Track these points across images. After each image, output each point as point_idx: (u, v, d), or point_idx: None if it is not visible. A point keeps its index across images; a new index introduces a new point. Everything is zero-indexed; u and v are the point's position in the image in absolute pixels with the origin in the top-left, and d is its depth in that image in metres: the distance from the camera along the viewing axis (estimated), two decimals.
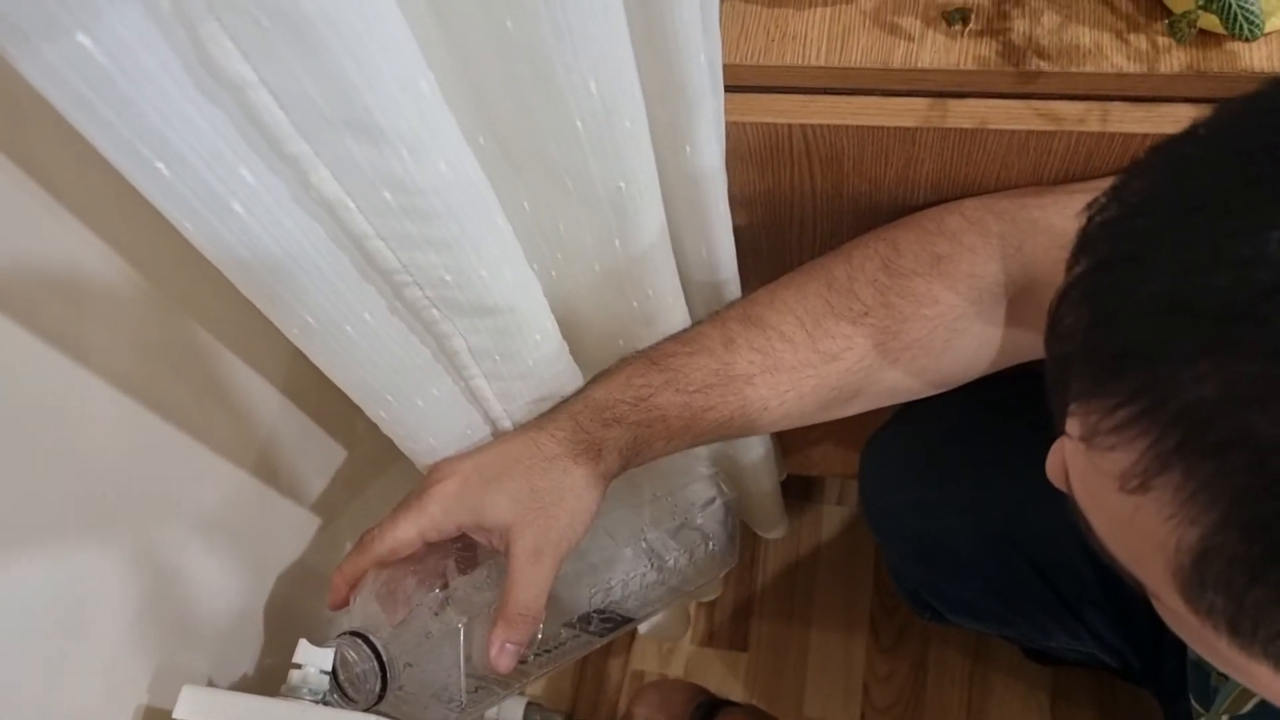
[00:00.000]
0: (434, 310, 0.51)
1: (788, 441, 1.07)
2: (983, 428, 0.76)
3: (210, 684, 0.67)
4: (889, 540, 0.80)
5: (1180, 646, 0.73)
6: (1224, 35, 0.53)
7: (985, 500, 0.75)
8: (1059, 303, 0.33)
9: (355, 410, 0.60)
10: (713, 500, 0.77)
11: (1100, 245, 0.32)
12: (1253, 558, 0.28)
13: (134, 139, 0.36)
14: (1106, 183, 0.57)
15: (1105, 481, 0.31)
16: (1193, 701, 0.61)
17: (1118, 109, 0.57)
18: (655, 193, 0.55)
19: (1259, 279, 0.27)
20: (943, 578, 0.79)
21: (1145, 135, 0.56)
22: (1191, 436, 0.28)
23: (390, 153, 0.40)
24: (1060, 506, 0.77)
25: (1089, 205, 0.33)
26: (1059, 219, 0.56)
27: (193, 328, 0.62)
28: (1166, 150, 0.32)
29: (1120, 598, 0.74)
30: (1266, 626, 0.29)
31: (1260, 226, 0.28)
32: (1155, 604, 0.36)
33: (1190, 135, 0.32)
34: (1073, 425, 0.32)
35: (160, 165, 0.37)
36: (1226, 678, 0.55)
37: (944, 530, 0.76)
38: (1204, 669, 0.59)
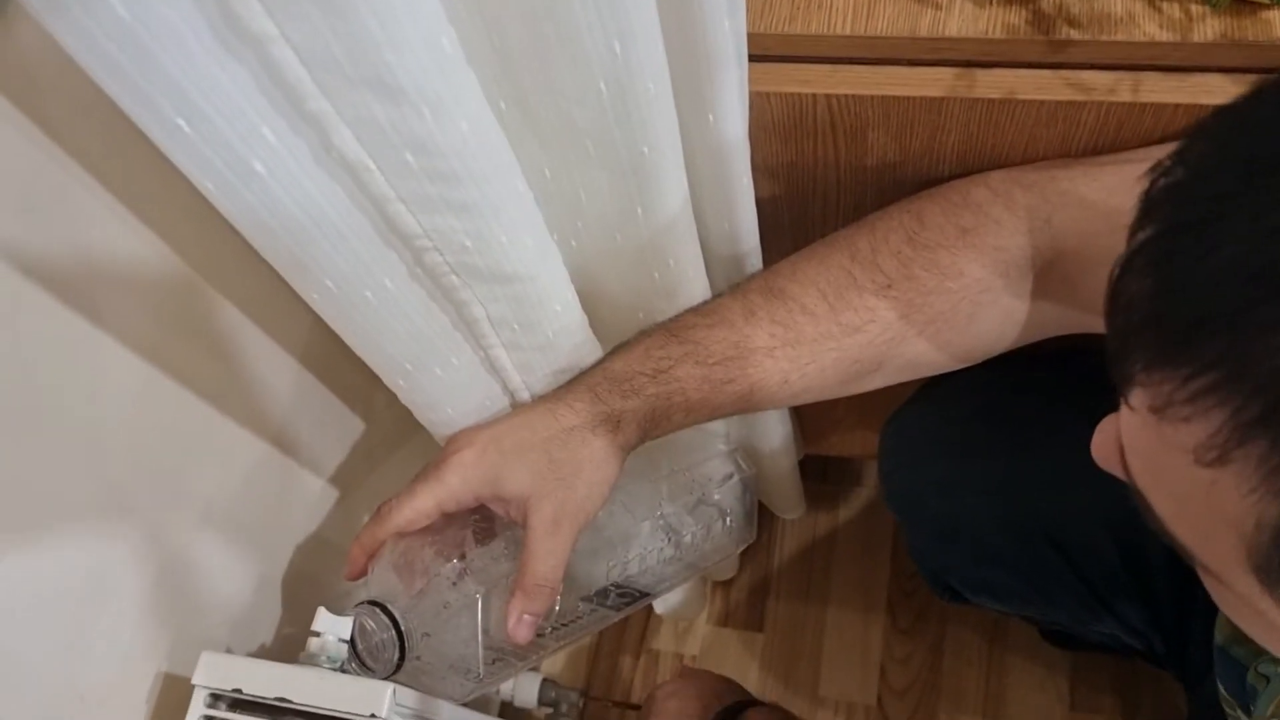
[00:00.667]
0: (453, 277, 0.50)
1: (806, 421, 1.06)
2: (1007, 406, 0.75)
3: (229, 652, 0.68)
4: (910, 520, 0.79)
5: (1206, 631, 0.72)
6: (1259, 2, 0.52)
7: (1009, 480, 0.74)
8: (1121, 271, 0.32)
9: (374, 383, 0.60)
10: (730, 476, 0.77)
11: (1167, 210, 0.31)
12: None
13: (156, 94, 0.35)
14: (1137, 153, 0.57)
15: (1175, 456, 0.30)
16: (1222, 690, 0.60)
17: (1150, 79, 0.55)
18: (678, 160, 0.55)
19: None
20: (964, 558, 0.78)
21: (1177, 106, 0.55)
22: (1277, 405, 0.27)
23: (412, 112, 0.40)
24: (1085, 487, 0.76)
25: (1152, 169, 0.32)
26: (1088, 190, 0.56)
27: (212, 298, 0.62)
28: (1233, 112, 0.31)
29: (1145, 580, 0.73)
30: None
31: None
32: (1211, 586, 0.35)
33: (1254, 97, 0.31)
34: (1140, 397, 0.31)
35: (181, 122, 0.37)
36: (1268, 679, 0.54)
37: (967, 510, 0.75)
38: (1239, 663, 0.57)
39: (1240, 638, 0.57)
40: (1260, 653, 0.55)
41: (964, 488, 0.75)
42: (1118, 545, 0.72)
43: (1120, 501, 0.75)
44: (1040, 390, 0.74)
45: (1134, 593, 0.74)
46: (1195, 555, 0.33)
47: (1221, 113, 0.32)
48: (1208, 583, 0.35)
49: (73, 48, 0.34)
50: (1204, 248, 0.29)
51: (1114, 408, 0.35)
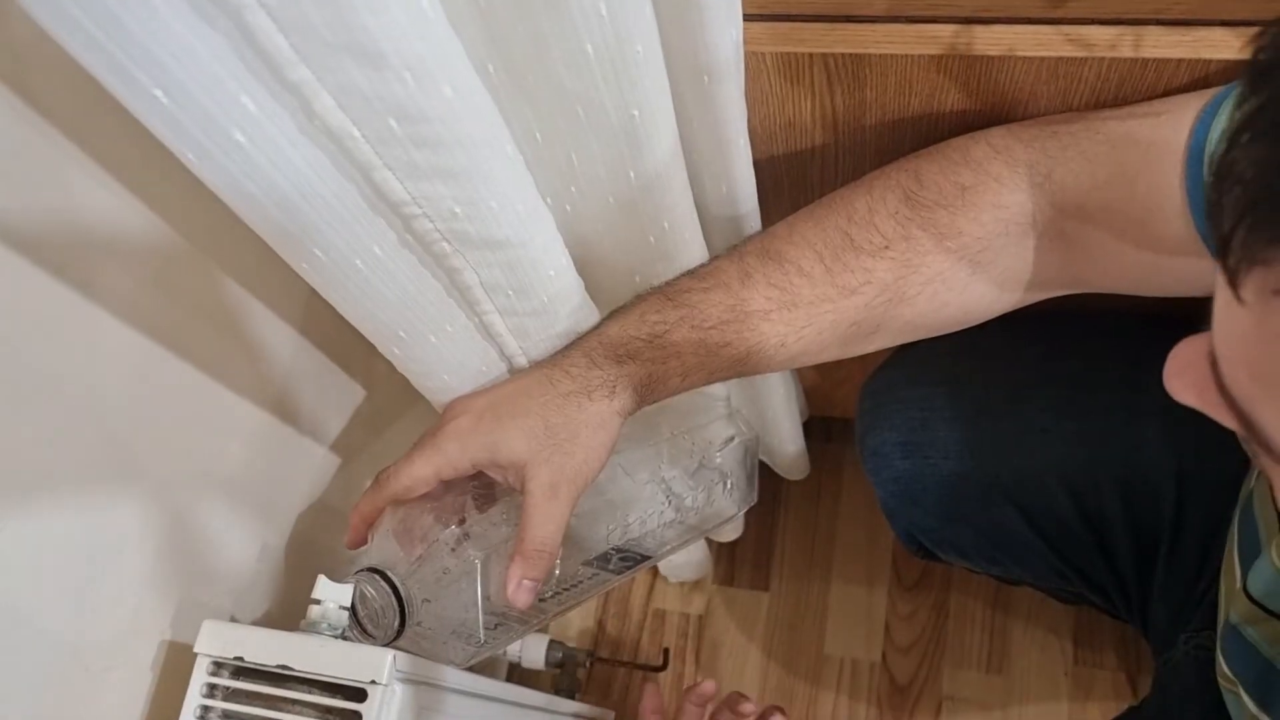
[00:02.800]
0: (445, 244, 0.50)
1: (811, 383, 1.06)
2: (973, 371, 0.76)
3: (232, 620, 0.68)
4: (879, 480, 0.80)
5: (1169, 595, 0.72)
6: None
7: (971, 441, 0.75)
8: (1228, 147, 0.29)
9: (375, 350, 0.59)
10: (731, 439, 0.77)
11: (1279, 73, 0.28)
12: None
13: (130, 65, 0.35)
14: (1139, 107, 0.56)
15: None
16: (1224, 667, 0.59)
17: (1152, 33, 0.54)
18: (670, 122, 0.54)
19: None
20: (930, 517, 0.79)
21: (1180, 61, 0.54)
22: None
23: (394, 78, 0.39)
24: (1045, 450, 0.76)
25: (1253, 39, 0.29)
26: (1090, 144, 0.54)
27: (208, 268, 0.62)
28: None
29: (1105, 540, 0.74)
30: None
31: None
32: None
33: None
34: (1258, 281, 0.28)
35: (158, 93, 0.36)
36: None
37: (931, 471, 0.76)
38: (1254, 646, 0.55)
39: (1258, 619, 0.55)
40: None
41: (927, 449, 0.76)
42: (1077, 507, 0.73)
43: (1080, 464, 0.75)
44: (1005, 357, 0.75)
45: (1096, 555, 0.75)
46: None
47: None
48: None
49: (43, 19, 0.33)
50: None
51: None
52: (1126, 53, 0.54)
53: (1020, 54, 0.56)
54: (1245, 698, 0.56)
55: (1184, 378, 0.33)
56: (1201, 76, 0.54)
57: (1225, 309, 0.30)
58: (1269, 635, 0.54)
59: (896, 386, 0.80)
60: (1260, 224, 0.27)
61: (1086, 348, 0.75)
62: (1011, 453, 0.74)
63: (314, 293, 0.53)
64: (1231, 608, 0.57)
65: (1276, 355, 0.28)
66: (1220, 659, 0.59)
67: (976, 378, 0.76)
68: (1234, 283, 0.28)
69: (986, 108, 0.60)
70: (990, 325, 0.63)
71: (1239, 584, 0.56)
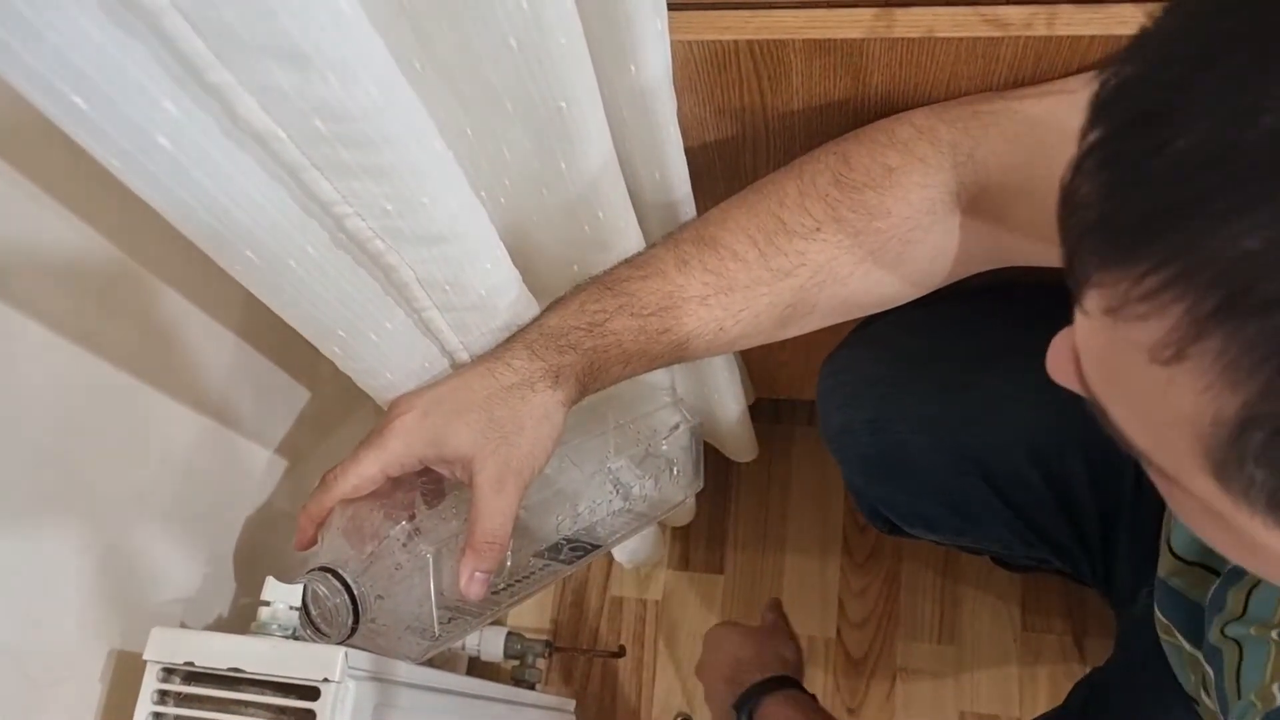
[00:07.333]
0: (379, 241, 0.50)
1: (755, 366, 1.07)
2: (934, 346, 0.78)
3: (184, 626, 0.68)
4: (846, 458, 0.81)
5: (1131, 554, 0.74)
6: None
7: (937, 416, 0.76)
8: (1073, 174, 0.31)
9: (318, 352, 0.59)
10: (676, 426, 0.78)
11: (1118, 107, 0.30)
12: None
13: (46, 72, 0.35)
14: (1054, 84, 0.58)
15: (1131, 356, 0.29)
16: (1160, 616, 0.62)
17: (1065, 11, 0.56)
18: (599, 113, 0.54)
19: None
20: (899, 492, 0.80)
21: (1093, 38, 0.56)
22: (1234, 297, 0.26)
23: (316, 78, 0.39)
24: (1010, 419, 0.78)
25: (1099, 72, 0.31)
26: (1009, 123, 0.56)
27: (140, 277, 0.61)
28: (1186, 2, 0.30)
29: (1071, 505, 0.76)
30: None
31: None
32: (1168, 492, 0.34)
33: None
34: (1094, 300, 0.30)
35: (77, 100, 0.36)
36: (1239, 644, 0.54)
37: (898, 446, 0.77)
38: (1180, 595, 0.58)
39: (1180, 570, 0.59)
40: (1201, 584, 0.56)
41: (895, 425, 0.77)
42: (1042, 472, 0.75)
43: (1044, 430, 0.77)
44: (965, 329, 0.76)
45: (1061, 518, 0.76)
46: (1153, 460, 0.32)
47: (1172, 7, 0.30)
48: (1165, 489, 0.34)
49: None
50: (1158, 139, 0.28)
51: (1062, 324, 0.35)
52: (1041, 31, 0.56)
53: (939, 35, 0.57)
54: (1181, 640, 0.59)
55: (1059, 363, 0.36)
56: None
57: (1078, 314, 0.32)
58: (1191, 582, 0.57)
59: (859, 364, 0.80)
60: (1095, 250, 0.30)
61: (1045, 315, 0.77)
62: (978, 423, 0.75)
63: (251, 297, 0.53)
64: (1161, 564, 0.60)
65: (1118, 362, 0.31)
66: (1157, 610, 0.62)
67: (939, 351, 0.77)
68: (1077, 297, 0.31)
69: (910, 89, 0.61)
70: (949, 299, 0.64)
71: (1166, 541, 0.59)
